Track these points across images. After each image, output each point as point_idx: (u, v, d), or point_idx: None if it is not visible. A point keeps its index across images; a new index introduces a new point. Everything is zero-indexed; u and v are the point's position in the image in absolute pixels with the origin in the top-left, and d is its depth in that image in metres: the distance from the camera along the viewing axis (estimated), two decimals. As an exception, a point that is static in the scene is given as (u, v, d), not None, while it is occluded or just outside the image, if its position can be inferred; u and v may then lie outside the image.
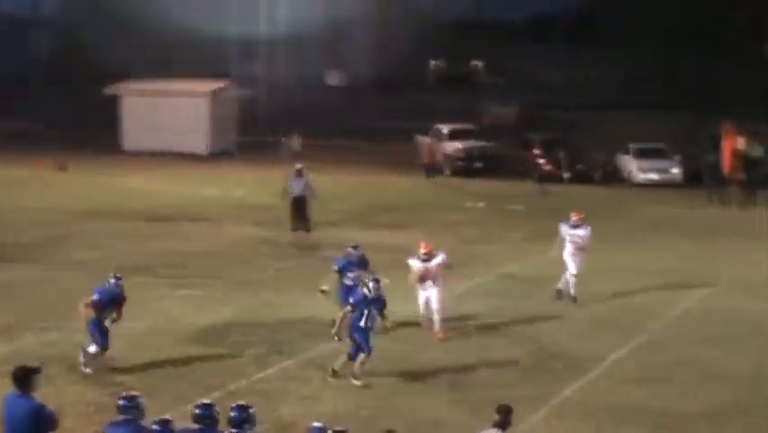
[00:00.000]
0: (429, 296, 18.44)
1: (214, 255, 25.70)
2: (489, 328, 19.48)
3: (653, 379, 16.73)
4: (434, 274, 18.40)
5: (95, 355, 16.30)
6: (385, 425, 10.38)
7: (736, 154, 37.76)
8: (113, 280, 16.72)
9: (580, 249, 21.31)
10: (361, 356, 15.93)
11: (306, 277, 22.19)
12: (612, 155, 44.11)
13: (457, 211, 34.27)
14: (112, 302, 16.52)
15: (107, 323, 16.42)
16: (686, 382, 16.68)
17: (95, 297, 16.39)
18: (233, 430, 10.09)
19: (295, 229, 28.88)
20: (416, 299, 18.81)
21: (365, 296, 16.23)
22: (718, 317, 20.69)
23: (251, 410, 10.46)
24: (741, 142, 38.00)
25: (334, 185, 35.77)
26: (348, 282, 18.23)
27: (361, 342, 15.96)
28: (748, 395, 16.11)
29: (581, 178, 42.06)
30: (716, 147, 38.93)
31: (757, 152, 38.97)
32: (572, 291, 21.31)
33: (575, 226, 21.51)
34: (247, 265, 24.63)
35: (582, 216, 21.80)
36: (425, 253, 18.49)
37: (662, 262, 26.03)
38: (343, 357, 16.12)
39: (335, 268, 18.78)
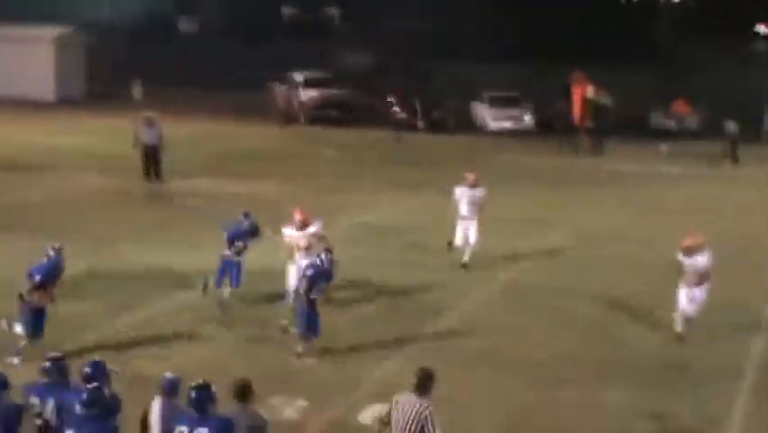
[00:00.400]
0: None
1: (64, 206, 24.97)
2: (344, 277, 19.42)
3: (507, 326, 16.93)
4: (308, 243, 16.96)
5: None
6: (239, 375, 10.20)
7: (585, 103, 38.48)
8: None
9: (479, 211, 20.28)
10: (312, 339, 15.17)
11: (160, 227, 21.71)
12: (467, 104, 44.50)
13: (312, 160, 34.10)
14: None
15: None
16: (539, 328, 16.93)
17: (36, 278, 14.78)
18: (87, 385, 9.80)
19: (147, 178, 28.34)
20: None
21: (317, 266, 15.41)
22: (570, 263, 21.06)
23: (102, 364, 10.21)
24: (590, 91, 38.72)
25: (186, 134, 35.17)
26: (227, 253, 17.03)
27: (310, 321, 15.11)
28: (597, 340, 16.45)
29: (436, 126, 42.33)
30: (566, 96, 39.61)
31: (606, 100, 39.81)
32: (467, 258, 20.22)
33: (473, 187, 20.38)
34: (100, 215, 24.02)
35: (478, 176, 20.63)
36: (300, 221, 16.95)
37: (516, 210, 26.39)
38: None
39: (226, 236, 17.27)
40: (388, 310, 17.66)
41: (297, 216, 17.06)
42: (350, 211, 25.46)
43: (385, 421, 9.89)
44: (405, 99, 43.27)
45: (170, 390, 10.11)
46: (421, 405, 9.66)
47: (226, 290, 17.03)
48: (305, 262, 15.97)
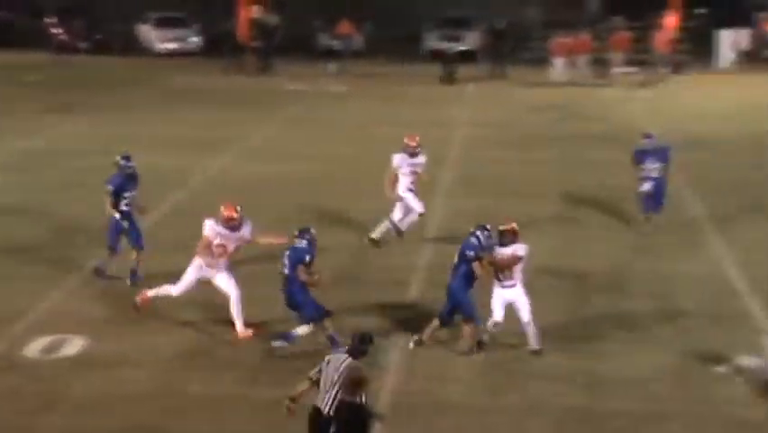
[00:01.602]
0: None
1: None
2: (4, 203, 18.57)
3: (169, 246, 16.60)
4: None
5: None
6: None
7: (251, 23, 38.31)
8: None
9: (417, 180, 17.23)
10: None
11: None
12: (132, 25, 43.29)
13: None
14: None
15: None
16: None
17: None
18: None
19: None
20: None
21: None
22: (239, 182, 21.04)
23: None
24: (256, 11, 38.57)
25: None
26: (124, 208, 14.90)
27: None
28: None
29: (100, 48, 40.96)
30: (232, 15, 39.25)
31: (272, 20, 39.80)
32: (402, 227, 17.06)
33: (414, 154, 17.24)
34: None
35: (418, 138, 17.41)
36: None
37: (185, 131, 26.08)
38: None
39: (109, 189, 14.94)
40: (57, 237, 17.01)
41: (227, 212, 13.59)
42: (6, 136, 24.26)
43: (313, 379, 9.59)
44: (67, 20, 41.50)
45: None
46: (351, 362, 9.44)
47: None
48: None
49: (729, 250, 16.59)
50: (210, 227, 13.38)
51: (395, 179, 17.02)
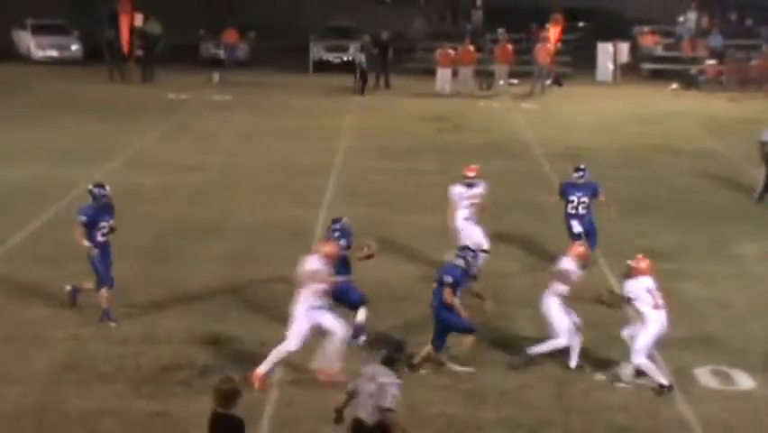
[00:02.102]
0: None
1: None
2: None
3: (48, 259, 16.27)
4: None
5: None
6: None
7: (133, 31, 37.76)
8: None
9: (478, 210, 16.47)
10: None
11: None
12: (8, 31, 42.31)
13: None
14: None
15: None
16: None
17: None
18: None
19: None
20: None
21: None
22: (122, 192, 20.65)
23: None
24: (139, 19, 38.05)
25: None
26: (100, 239, 13.96)
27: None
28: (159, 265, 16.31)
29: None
30: (114, 23, 38.62)
31: (155, 28, 39.31)
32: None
33: (471, 185, 16.50)
34: None
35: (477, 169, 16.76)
36: None
37: (65, 140, 25.59)
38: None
39: (82, 220, 13.96)
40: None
41: None
42: None
43: (350, 391, 9.71)
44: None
45: None
46: (385, 375, 9.59)
47: None
48: None
49: (607, 260, 16.88)
50: (318, 263, 12.28)
51: (454, 211, 16.17)
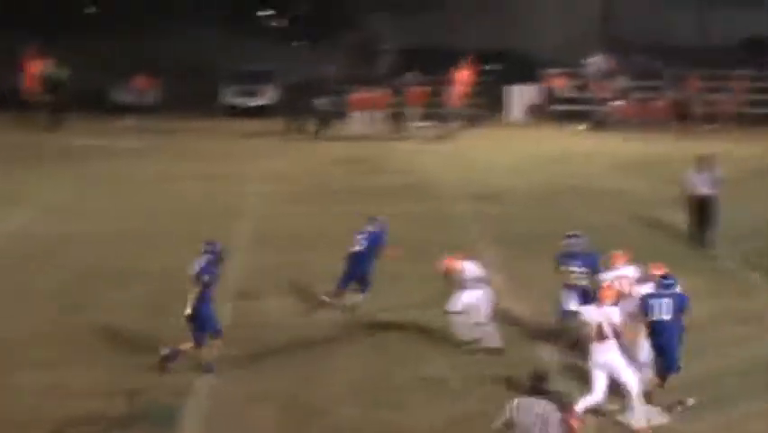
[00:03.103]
0: None
1: None
2: None
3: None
4: None
5: None
6: None
7: (40, 77, 37.17)
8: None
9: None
10: None
11: None
12: None
13: None
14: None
15: None
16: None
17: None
18: None
19: None
20: None
21: None
22: (31, 240, 20.34)
23: None
24: (45, 64, 37.48)
25: None
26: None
27: None
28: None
29: None
30: (19, 69, 37.93)
31: (63, 74, 38.76)
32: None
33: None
34: None
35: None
36: None
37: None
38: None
39: (206, 279, 13.95)
40: None
41: None
42: None
43: (507, 424, 9.96)
44: None
45: None
46: (541, 405, 9.97)
47: None
48: None
49: (517, 297, 16.98)
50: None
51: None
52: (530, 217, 22.81)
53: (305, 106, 37.11)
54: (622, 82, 41.61)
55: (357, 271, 16.17)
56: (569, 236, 15.24)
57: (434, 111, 37.79)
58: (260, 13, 54.99)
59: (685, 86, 39.85)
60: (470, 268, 14.70)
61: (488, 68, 43.36)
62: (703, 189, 20.78)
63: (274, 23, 53.94)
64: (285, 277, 17.70)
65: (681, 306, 12.78)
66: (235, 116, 39.50)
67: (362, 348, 14.81)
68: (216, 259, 14.14)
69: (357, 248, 16.24)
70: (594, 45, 44.72)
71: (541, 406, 9.90)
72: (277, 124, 37.43)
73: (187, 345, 13.79)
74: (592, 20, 47.98)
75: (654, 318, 12.63)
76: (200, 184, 26.70)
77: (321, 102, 35.88)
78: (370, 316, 15.99)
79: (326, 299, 16.19)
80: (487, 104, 40.49)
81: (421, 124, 37.05)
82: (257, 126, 35.95)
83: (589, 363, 12.39)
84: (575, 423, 11.36)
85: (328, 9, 50.59)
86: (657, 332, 12.63)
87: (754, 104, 41.09)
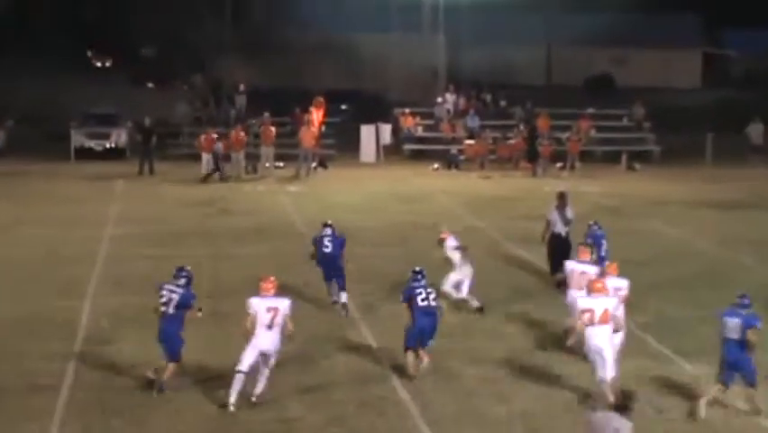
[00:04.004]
0: None
1: None
2: None
3: None
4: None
5: None
6: None
7: None
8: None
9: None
10: None
11: None
12: None
13: None
14: None
15: None
16: None
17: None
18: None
19: None
20: None
21: None
22: None
23: None
24: None
25: None
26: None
27: None
28: None
29: None
30: None
31: None
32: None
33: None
34: None
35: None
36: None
37: None
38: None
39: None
40: None
41: None
42: None
43: None
44: None
45: None
46: (618, 421, 10.44)
47: None
48: None
49: (372, 333, 17.07)
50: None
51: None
52: (383, 256, 22.98)
53: (154, 149, 36.77)
54: (473, 121, 42.48)
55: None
56: (415, 272, 15.66)
57: (287, 152, 37.84)
58: (99, 58, 54.45)
59: (534, 124, 40.90)
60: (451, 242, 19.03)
61: (340, 107, 43.79)
62: (558, 227, 21.21)
63: (123, 65, 53.31)
64: (135, 322, 17.39)
65: None
66: (86, 159, 38.83)
67: (195, 395, 14.55)
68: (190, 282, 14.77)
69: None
70: (445, 84, 45.59)
71: (618, 421, 10.46)
72: (127, 166, 36.95)
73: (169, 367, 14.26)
74: (442, 60, 48.90)
75: None
76: (51, 228, 26.11)
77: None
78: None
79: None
80: (339, 144, 40.80)
81: (274, 164, 37.04)
82: (108, 169, 35.36)
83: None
84: None
85: (178, 51, 50.30)
86: None
87: (599, 141, 42.44)
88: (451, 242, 19.23)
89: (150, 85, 50.63)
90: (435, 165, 38.93)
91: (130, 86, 48.98)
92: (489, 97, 45.97)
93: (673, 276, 21.71)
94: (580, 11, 61.61)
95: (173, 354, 14.29)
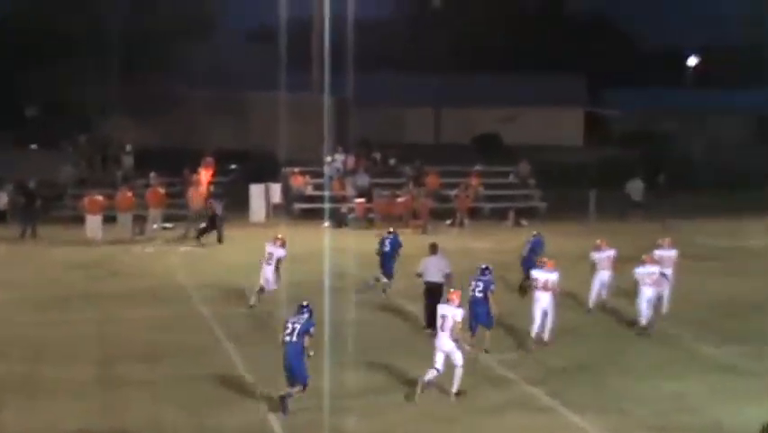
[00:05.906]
0: None
1: None
2: None
3: None
4: None
5: None
6: None
7: None
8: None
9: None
10: None
11: None
12: None
13: None
14: None
15: None
16: None
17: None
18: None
19: None
20: None
21: None
22: None
23: None
24: None
25: None
26: None
27: None
28: None
29: None
30: None
31: None
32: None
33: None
34: None
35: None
36: None
37: None
38: None
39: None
40: None
41: None
42: None
43: None
44: None
45: None
46: None
47: None
48: None
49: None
50: None
51: None
52: (279, 315, 22.73)
53: (39, 211, 35.97)
54: (362, 179, 42.58)
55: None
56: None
57: (176, 212, 37.37)
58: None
59: (424, 182, 41.18)
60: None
61: (229, 167, 43.51)
62: (434, 278, 21.81)
63: (6, 126, 52.14)
64: (21, 390, 16.83)
65: None
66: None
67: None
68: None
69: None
70: (334, 144, 45.65)
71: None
72: (8, 230, 36.07)
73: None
74: (331, 119, 49.00)
75: None
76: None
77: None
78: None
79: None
80: (228, 204, 40.45)
81: (162, 225, 36.52)
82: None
83: None
84: None
85: (63, 111, 49.47)
86: None
87: (486, 198, 42.92)
88: None
89: (33, 146, 49.59)
90: (326, 223, 38.84)
91: (13, 147, 47.87)
92: (378, 156, 46.15)
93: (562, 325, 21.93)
94: (467, 72, 62.61)
95: (300, 377, 15.78)
